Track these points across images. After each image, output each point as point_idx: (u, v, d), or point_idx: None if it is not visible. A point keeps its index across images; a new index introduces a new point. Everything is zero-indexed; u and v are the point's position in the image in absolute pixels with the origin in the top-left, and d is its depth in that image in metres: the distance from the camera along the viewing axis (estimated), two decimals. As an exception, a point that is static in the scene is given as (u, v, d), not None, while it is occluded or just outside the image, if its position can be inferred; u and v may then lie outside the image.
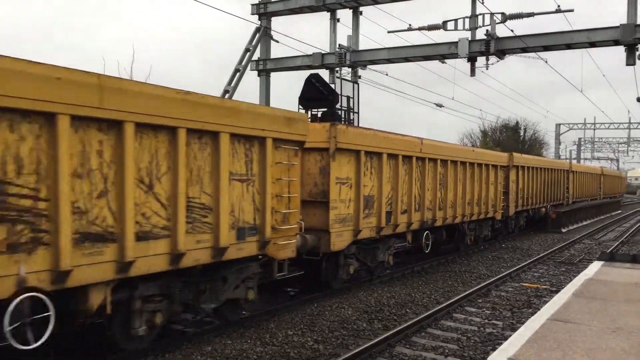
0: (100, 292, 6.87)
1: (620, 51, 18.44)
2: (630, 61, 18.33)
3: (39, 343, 6.16)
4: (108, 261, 6.78)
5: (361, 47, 22.53)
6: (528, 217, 26.85)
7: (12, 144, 5.83)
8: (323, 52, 22.59)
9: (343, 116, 16.20)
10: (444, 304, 11.24)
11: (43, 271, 6.14)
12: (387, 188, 13.33)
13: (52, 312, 6.24)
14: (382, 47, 22.25)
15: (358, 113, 18.29)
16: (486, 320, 10.58)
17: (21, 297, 5.95)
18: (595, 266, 12.59)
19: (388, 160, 13.30)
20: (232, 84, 22.14)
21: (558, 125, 71.31)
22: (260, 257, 9.53)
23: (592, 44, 18.88)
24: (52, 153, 6.15)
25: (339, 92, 15.20)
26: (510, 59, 21.57)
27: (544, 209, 28.32)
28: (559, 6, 19.31)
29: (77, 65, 6.46)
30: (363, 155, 12.24)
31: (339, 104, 15.94)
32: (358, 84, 20.24)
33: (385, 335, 8.91)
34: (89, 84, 6.44)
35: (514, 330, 8.95)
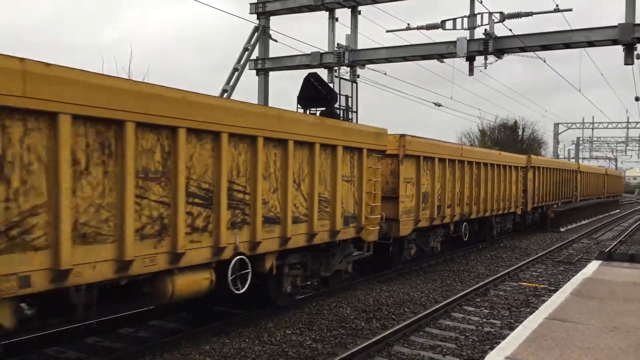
0: (271, 259, 9.66)
1: (618, 50, 18.45)
2: (629, 60, 18.34)
3: (244, 289, 8.93)
4: (276, 237, 9.49)
5: (360, 46, 22.52)
6: (542, 213, 28.82)
7: (235, 158, 8.58)
8: (322, 51, 22.57)
9: (342, 115, 16.19)
10: (443, 303, 11.25)
11: (246, 242, 8.85)
12: (438, 186, 16.15)
13: (250, 270, 9.01)
14: (381, 46, 22.24)
15: (357, 112, 18.28)
16: (484, 320, 10.59)
17: (236, 258, 8.67)
18: (593, 265, 12.61)
19: (439, 163, 16.17)
20: (231, 83, 22.12)
21: (556, 125, 71.40)
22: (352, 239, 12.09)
23: (591, 44, 18.87)
24: (254, 163, 8.89)
25: (337, 92, 15.18)
26: (508, 58, 21.59)
27: (555, 205, 30.33)
28: (557, 5, 19.30)
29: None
30: (422, 160, 15.14)
31: (338, 103, 15.94)
32: (357, 83, 20.24)
33: (383, 335, 8.92)
34: (269, 114, 9.36)
35: (512, 329, 8.96)
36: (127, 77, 10.29)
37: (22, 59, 5.70)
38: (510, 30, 19.50)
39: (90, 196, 6.46)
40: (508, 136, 63.44)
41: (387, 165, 14.13)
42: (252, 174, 8.88)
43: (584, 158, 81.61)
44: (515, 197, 23.25)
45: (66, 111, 6.07)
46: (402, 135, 14.30)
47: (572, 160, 72.63)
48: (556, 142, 71.32)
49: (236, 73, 22.31)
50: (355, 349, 8.17)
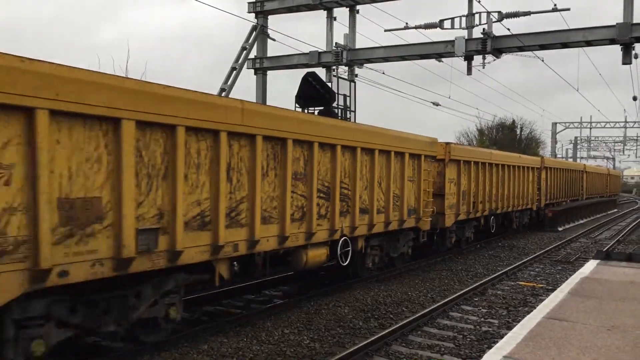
0: (361, 241, 12.46)
1: (616, 50, 18.49)
2: (627, 60, 18.37)
3: (346, 262, 11.78)
4: (365, 224, 12.30)
5: (358, 45, 22.54)
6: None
7: (343, 163, 11.34)
8: (320, 50, 22.59)
9: (340, 115, 16.19)
10: (440, 303, 11.26)
11: (348, 227, 11.67)
12: (473, 185, 19.05)
13: (350, 248, 11.83)
14: (379, 45, 22.28)
15: (355, 111, 18.29)
16: (482, 319, 10.60)
17: (342, 238, 11.53)
18: (591, 265, 12.64)
19: (474, 166, 19.14)
20: (229, 83, 22.11)
21: (554, 124, 71.49)
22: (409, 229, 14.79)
23: (589, 43, 18.90)
24: (354, 167, 11.69)
25: (335, 91, 15.18)
26: (507, 58, 21.65)
27: (564, 202, 33.11)
28: (555, 5, 19.34)
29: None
30: (462, 163, 18.22)
31: (336, 102, 15.93)
32: (355, 82, 20.24)
33: (381, 334, 8.92)
34: (365, 130, 12.25)
35: (509, 328, 8.97)
36: (124, 76, 10.23)
37: (242, 101, 8.76)
38: (509, 29, 19.53)
39: (267, 191, 9.39)
40: (506, 135, 63.47)
41: (435, 168, 16.54)
42: (353, 175, 11.75)
43: (581, 157, 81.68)
44: (532, 194, 26.35)
45: (261, 134, 9.08)
46: (448, 143, 17.49)
47: (570, 160, 72.75)
48: (554, 141, 71.41)
49: (234, 72, 22.30)
50: (353, 349, 8.17)
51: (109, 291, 7.22)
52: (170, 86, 7.48)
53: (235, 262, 9.17)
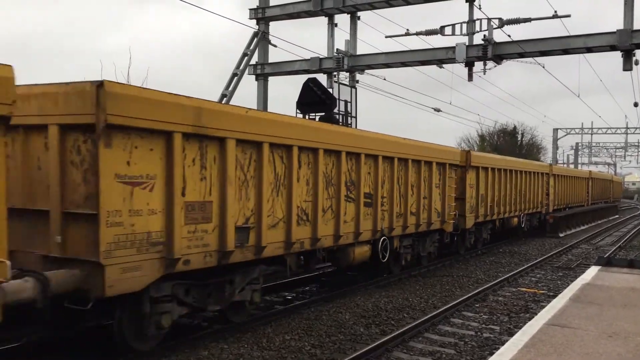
0: (397, 240, 14.13)
1: (617, 56, 18.51)
2: (627, 66, 18.39)
3: (386, 259, 13.38)
4: (400, 225, 13.91)
5: (359, 51, 22.57)
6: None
7: (382, 172, 12.82)
8: (321, 56, 22.63)
9: (341, 120, 16.20)
10: (442, 309, 11.24)
11: (386, 227, 13.22)
12: (489, 190, 20.54)
13: (388, 246, 13.39)
14: (380, 51, 22.31)
15: (356, 117, 18.31)
16: (483, 325, 10.58)
17: (382, 237, 13.10)
18: (592, 271, 12.61)
19: (490, 171, 20.56)
20: (230, 88, 22.16)
21: (555, 130, 71.50)
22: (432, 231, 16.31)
23: (589, 49, 18.93)
24: (391, 175, 13.29)
25: (336, 97, 15.23)
26: (508, 64, 21.75)
27: (568, 207, 34.74)
28: (556, 12, 19.39)
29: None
30: (480, 169, 19.54)
31: (337, 108, 15.96)
32: (356, 88, 20.27)
33: (382, 340, 8.91)
34: (401, 142, 13.72)
35: (511, 335, 8.95)
36: (125, 82, 10.32)
37: (316, 123, 11.44)
38: (509, 36, 19.61)
39: (326, 196, 11.03)
40: (507, 141, 63.47)
41: (457, 174, 17.73)
42: (390, 182, 13.21)
43: (582, 163, 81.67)
44: (541, 199, 27.94)
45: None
46: (468, 151, 19.11)
47: (572, 166, 72.71)
48: (555, 147, 71.44)
49: (235, 78, 22.35)
50: (354, 355, 8.15)
51: (212, 278, 8.84)
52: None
53: (301, 256, 11.08)
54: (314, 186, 10.57)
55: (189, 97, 7.83)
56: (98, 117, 6.68)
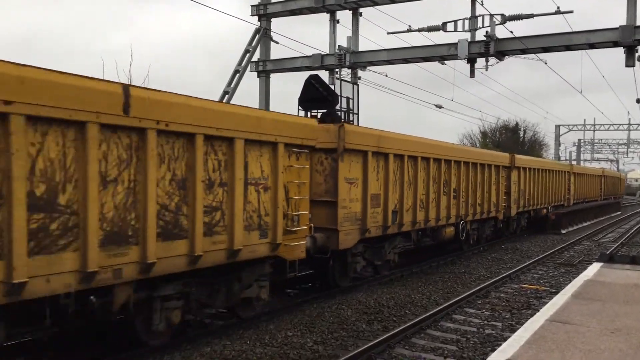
0: (469, 224, 18.16)
1: (619, 53, 18.46)
2: (630, 63, 18.33)
3: (463, 238, 17.94)
4: (471, 213, 18.29)
5: (361, 48, 22.53)
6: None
7: (463, 172, 17.59)
8: (323, 53, 22.60)
9: (343, 117, 16.19)
10: (443, 305, 11.25)
11: (463, 214, 17.51)
12: (527, 186, 24.77)
13: (464, 226, 17.86)
14: (382, 48, 22.27)
15: (358, 114, 18.28)
16: (485, 322, 10.59)
17: (461, 222, 17.42)
18: (594, 267, 12.59)
19: (529, 171, 24.94)
20: (232, 85, 22.16)
21: (558, 127, 71.31)
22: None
23: (592, 46, 18.88)
24: (467, 174, 17.62)
25: (338, 93, 15.20)
26: (510, 61, 21.77)
27: (584, 202, 39.27)
28: (558, 7, 19.32)
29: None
30: (521, 169, 23.72)
31: (339, 105, 15.94)
32: (358, 85, 20.24)
33: (384, 337, 8.93)
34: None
35: (513, 331, 8.95)
36: (128, 81, 10.26)
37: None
38: (512, 32, 19.55)
39: (433, 192, 15.59)
40: (509, 138, 63.36)
41: (506, 173, 21.95)
42: (466, 180, 17.77)
43: (585, 160, 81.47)
44: (563, 194, 32.41)
45: (422, 155, 14.93)
46: (513, 155, 23.02)
47: (574, 163, 72.57)
48: (557, 144, 71.25)
49: (237, 75, 22.34)
50: (356, 351, 8.17)
51: (377, 243, 13.62)
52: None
53: (419, 232, 15.48)
54: (427, 184, 15.13)
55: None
56: (339, 144, 11.56)
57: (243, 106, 9.04)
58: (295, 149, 9.91)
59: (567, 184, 33.24)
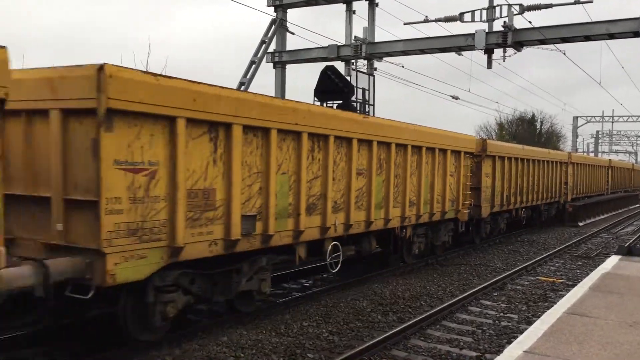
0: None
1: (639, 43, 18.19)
2: (651, 53, 18.04)
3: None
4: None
5: (377, 39, 22.40)
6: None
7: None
8: (339, 44, 22.50)
9: (358, 108, 16.15)
10: (459, 297, 11.22)
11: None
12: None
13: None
14: (398, 39, 22.13)
15: (374, 105, 18.24)
16: (501, 314, 10.55)
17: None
18: (612, 260, 12.49)
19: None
20: (248, 76, 22.17)
21: (575, 118, 70.50)
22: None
23: (611, 36, 18.60)
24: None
25: (354, 85, 15.18)
26: (528, 53, 21.48)
27: (620, 192, 43.25)
28: (578, -3, 19.05)
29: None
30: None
31: (355, 96, 15.91)
32: (374, 76, 20.18)
33: (400, 328, 8.93)
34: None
35: (529, 323, 8.91)
36: (144, 70, 10.28)
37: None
38: (530, 22, 19.31)
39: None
40: (526, 130, 62.83)
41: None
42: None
43: (603, 152, 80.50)
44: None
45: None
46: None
47: (592, 154, 71.78)
48: (575, 135, 70.50)
49: (253, 66, 22.34)
50: (372, 342, 8.19)
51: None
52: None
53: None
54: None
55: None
56: (482, 152, 16.44)
57: (449, 131, 15.23)
58: (468, 155, 16.21)
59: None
